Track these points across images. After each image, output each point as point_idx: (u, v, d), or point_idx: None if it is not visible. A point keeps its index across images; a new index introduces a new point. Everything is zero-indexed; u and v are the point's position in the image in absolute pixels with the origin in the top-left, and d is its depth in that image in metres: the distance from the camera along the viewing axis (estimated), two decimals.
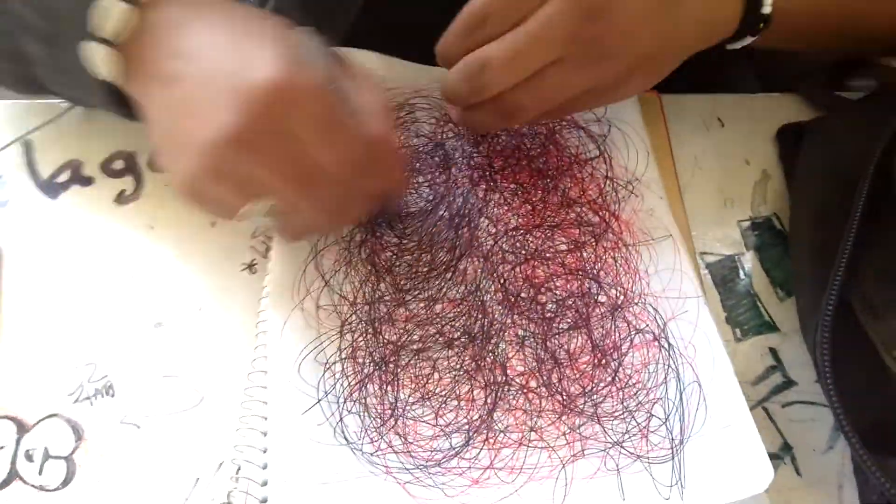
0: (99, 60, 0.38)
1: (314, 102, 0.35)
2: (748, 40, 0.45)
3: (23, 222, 0.46)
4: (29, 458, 0.38)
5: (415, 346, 0.41)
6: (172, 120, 0.36)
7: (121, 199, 0.48)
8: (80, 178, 0.49)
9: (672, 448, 0.39)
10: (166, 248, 0.46)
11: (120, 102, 0.41)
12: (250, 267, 0.45)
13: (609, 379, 0.41)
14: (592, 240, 0.46)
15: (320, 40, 0.38)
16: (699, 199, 0.50)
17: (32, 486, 0.37)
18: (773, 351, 0.44)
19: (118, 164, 0.49)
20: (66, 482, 0.38)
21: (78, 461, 0.38)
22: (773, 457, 0.41)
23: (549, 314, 0.43)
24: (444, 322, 0.42)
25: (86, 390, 0.40)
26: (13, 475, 0.38)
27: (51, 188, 0.48)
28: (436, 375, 0.41)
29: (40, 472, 0.38)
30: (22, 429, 0.39)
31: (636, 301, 0.44)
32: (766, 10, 0.44)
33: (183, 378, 0.41)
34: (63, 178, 0.48)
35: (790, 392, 0.43)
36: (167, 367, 0.41)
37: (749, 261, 0.48)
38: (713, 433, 0.39)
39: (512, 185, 0.48)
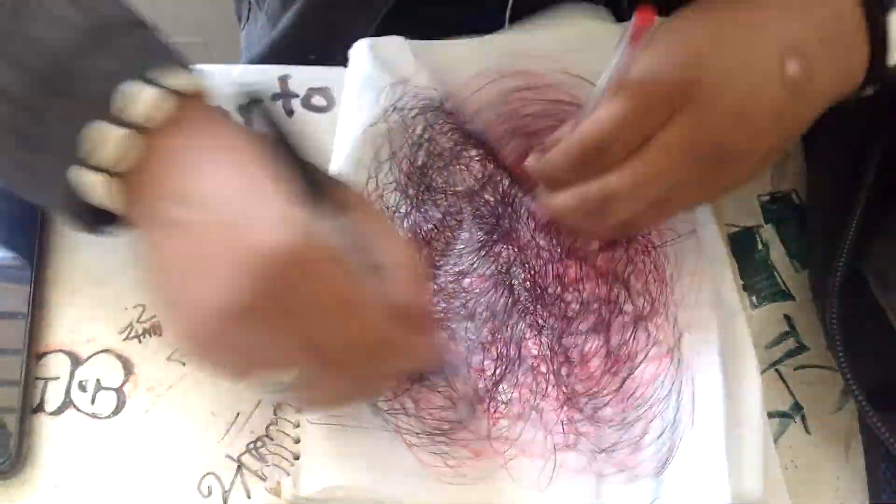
0: (91, 187, 0.33)
1: (327, 274, 0.31)
2: (869, 91, 0.41)
3: None
4: (82, 388, 0.41)
5: (437, 316, 0.43)
6: (176, 273, 0.32)
7: None
8: None
9: (658, 467, 0.39)
10: None
11: (92, 220, 0.35)
12: None
13: (615, 388, 0.41)
14: (624, 240, 0.45)
15: (333, 178, 0.36)
16: None
17: (85, 413, 0.40)
18: (787, 318, 0.46)
19: None
20: (116, 411, 0.40)
21: (128, 393, 0.41)
22: (784, 415, 0.43)
23: (570, 314, 0.43)
24: (469, 297, 0.44)
25: (135, 329, 0.43)
26: (67, 403, 0.40)
27: None
28: (452, 346, 0.42)
29: (93, 402, 0.40)
30: (76, 362, 0.42)
31: (661, 311, 0.43)
32: (893, 61, 0.39)
33: None
34: None
35: (802, 357, 0.45)
36: None
37: (767, 233, 0.49)
38: (695, 458, 0.38)
39: None
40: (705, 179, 0.39)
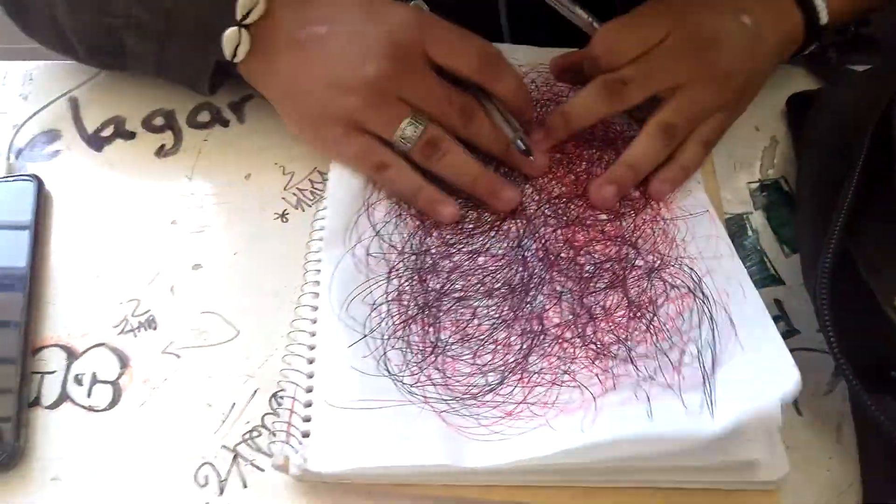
0: (235, 43, 0.45)
1: (442, 25, 0.46)
2: (813, 46, 0.53)
3: (71, 172, 0.49)
4: (78, 381, 0.41)
5: (457, 294, 0.44)
6: (317, 70, 0.45)
7: (161, 152, 0.51)
8: (124, 133, 0.52)
9: (703, 378, 0.39)
10: (203, 198, 0.49)
11: (214, 83, 0.49)
12: (282, 216, 0.48)
13: (644, 328, 0.42)
14: (632, 212, 0.48)
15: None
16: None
17: (82, 406, 0.40)
18: (777, 302, 0.46)
19: (158, 121, 0.52)
20: (112, 404, 0.41)
21: (123, 386, 0.41)
22: None
23: (586, 275, 0.45)
24: (485, 273, 0.45)
25: (130, 323, 0.43)
26: (64, 396, 0.41)
27: (96, 141, 0.51)
28: (475, 321, 0.43)
29: (89, 395, 0.41)
30: (72, 356, 0.42)
31: (672, 263, 0.45)
32: (823, 20, 0.51)
33: (219, 314, 0.44)
34: (107, 132, 0.52)
35: (793, 340, 0.45)
36: (205, 305, 0.44)
37: (757, 219, 0.50)
38: (743, 361, 0.40)
39: (557, 155, 0.51)
40: (703, 87, 0.48)
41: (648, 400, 0.39)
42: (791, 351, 0.44)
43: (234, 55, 0.46)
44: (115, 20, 0.46)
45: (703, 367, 0.40)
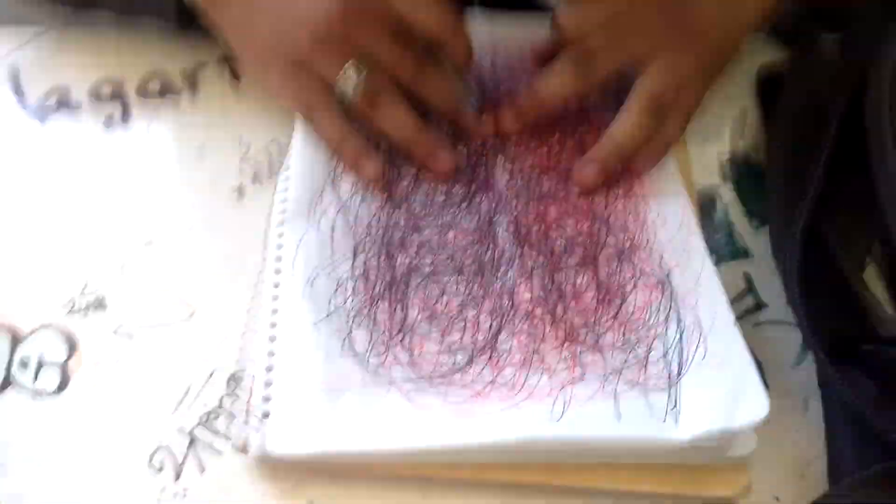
0: None
1: None
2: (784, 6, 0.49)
3: (12, 145, 0.47)
4: (24, 365, 0.39)
5: (426, 270, 0.42)
6: (272, 7, 0.43)
7: (109, 123, 0.48)
8: (68, 104, 0.49)
9: (669, 378, 0.39)
10: (155, 172, 0.47)
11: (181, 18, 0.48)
12: (239, 190, 0.46)
13: (612, 314, 0.42)
14: (604, 186, 0.47)
15: None
16: None
17: (28, 390, 0.38)
18: (746, 276, 0.46)
19: (106, 90, 0.50)
20: (60, 388, 0.39)
21: (72, 368, 0.39)
22: None
23: (557, 250, 0.44)
24: (455, 249, 0.43)
25: (78, 303, 0.41)
26: (8, 381, 0.39)
27: (39, 112, 0.48)
28: (444, 299, 0.42)
29: (35, 379, 0.39)
30: (16, 339, 0.40)
31: (643, 247, 0.44)
32: None
33: (173, 293, 0.42)
34: (51, 101, 0.49)
35: (761, 314, 0.45)
36: (158, 283, 0.42)
37: (726, 193, 0.49)
38: (710, 369, 0.39)
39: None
40: (678, 34, 0.45)
41: (615, 397, 0.38)
42: (759, 324, 0.45)
43: None
44: None
45: (669, 368, 0.40)
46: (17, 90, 0.49)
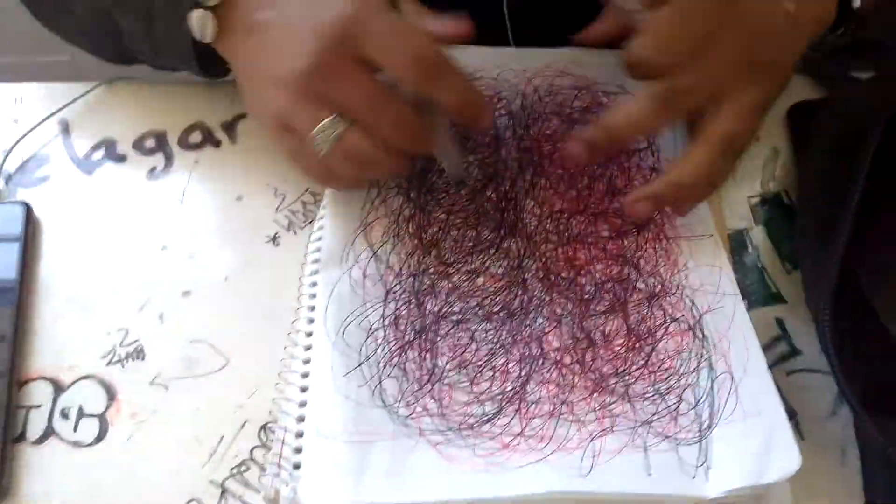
0: (202, 25, 0.44)
1: (382, 18, 0.40)
2: (842, 31, 0.48)
3: (61, 197, 0.49)
4: (64, 415, 0.40)
5: (455, 318, 0.43)
6: (262, 60, 0.43)
7: (152, 174, 0.50)
8: (114, 156, 0.51)
9: (700, 431, 0.39)
10: (194, 221, 0.48)
11: (202, 64, 0.48)
12: (273, 239, 0.47)
13: (642, 362, 0.41)
14: (634, 229, 0.47)
15: None
16: None
17: (68, 441, 0.40)
18: (779, 321, 0.45)
19: (150, 143, 0.52)
20: (98, 439, 0.40)
21: (110, 419, 0.40)
22: None
23: (587, 296, 0.44)
24: (484, 296, 0.44)
25: (118, 353, 0.42)
26: (50, 431, 0.40)
27: (87, 164, 0.50)
28: (473, 346, 0.42)
29: (75, 429, 0.40)
30: (58, 389, 0.41)
31: (673, 292, 0.44)
32: (856, 3, 0.46)
33: (209, 343, 0.43)
34: (98, 155, 0.51)
35: (795, 361, 0.44)
36: (194, 333, 0.43)
37: (758, 235, 0.49)
38: (742, 421, 0.39)
39: (559, 171, 0.49)
40: (748, 69, 0.42)
41: (646, 450, 0.38)
42: (793, 372, 0.44)
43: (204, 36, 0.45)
44: (108, 2, 0.47)
45: (700, 419, 0.40)
46: (67, 144, 0.51)
